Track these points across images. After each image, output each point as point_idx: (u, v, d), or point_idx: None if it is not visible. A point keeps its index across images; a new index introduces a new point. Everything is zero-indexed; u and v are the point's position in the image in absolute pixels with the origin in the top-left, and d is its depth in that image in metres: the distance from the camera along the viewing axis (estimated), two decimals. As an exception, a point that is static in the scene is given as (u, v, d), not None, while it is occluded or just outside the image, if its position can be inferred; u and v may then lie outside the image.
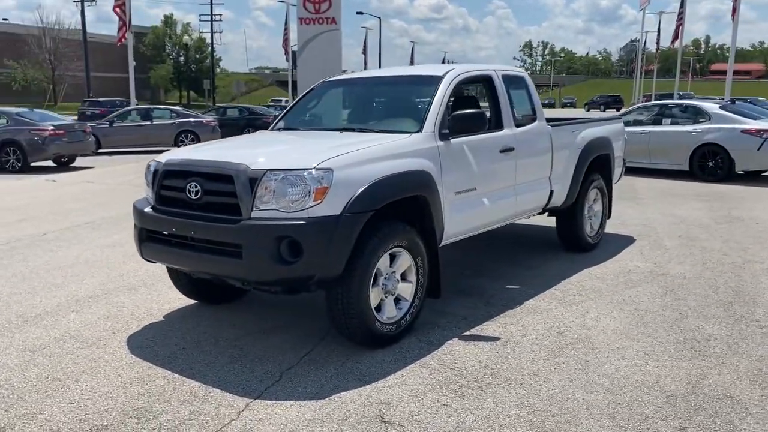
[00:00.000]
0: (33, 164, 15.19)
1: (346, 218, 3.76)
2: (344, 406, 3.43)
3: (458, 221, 4.73)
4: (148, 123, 20.35)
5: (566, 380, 3.70)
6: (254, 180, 3.78)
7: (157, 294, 5.38)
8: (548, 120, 6.39)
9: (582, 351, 4.11)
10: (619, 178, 7.42)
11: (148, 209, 4.33)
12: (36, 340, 4.40)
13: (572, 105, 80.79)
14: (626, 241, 7.18)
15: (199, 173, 4.07)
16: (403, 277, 4.29)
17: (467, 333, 4.43)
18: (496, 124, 5.32)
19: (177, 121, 20.51)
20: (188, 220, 4.01)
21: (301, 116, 5.52)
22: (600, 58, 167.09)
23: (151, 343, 4.33)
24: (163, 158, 4.43)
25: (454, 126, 4.61)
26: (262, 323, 4.67)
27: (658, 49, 47.79)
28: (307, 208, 3.72)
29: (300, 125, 5.40)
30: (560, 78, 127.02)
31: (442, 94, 4.77)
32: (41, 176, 14.21)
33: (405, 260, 4.24)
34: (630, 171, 13.14)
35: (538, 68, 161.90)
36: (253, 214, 3.76)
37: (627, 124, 13.47)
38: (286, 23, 36.58)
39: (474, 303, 5.05)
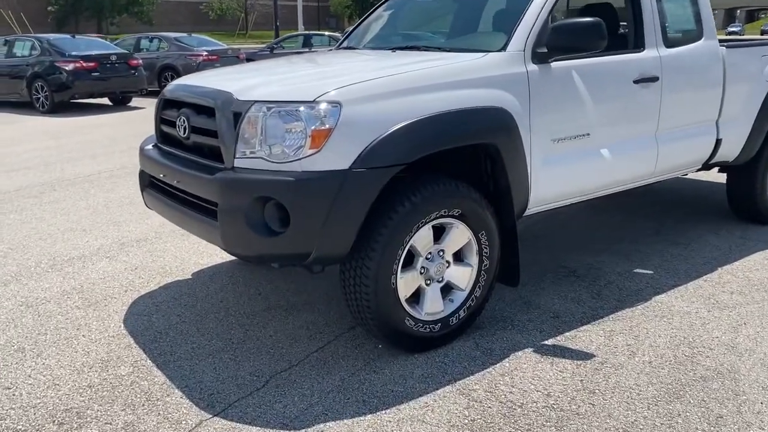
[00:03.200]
0: (188, 89, 15.46)
1: (356, 175, 2.60)
2: (318, 449, 2.38)
3: (556, 181, 3.35)
4: (307, 50, 19.99)
5: (674, 452, 2.33)
6: (238, 115, 2.74)
7: (206, 244, 4.62)
8: (724, 40, 4.60)
9: (718, 395, 2.66)
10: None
11: (149, 147, 3.49)
12: (42, 292, 3.84)
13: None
14: (835, 211, 5.17)
15: (187, 104, 3.12)
16: (458, 258, 3.07)
17: (549, 342, 3.12)
18: (636, 42, 3.74)
19: (327, 49, 19.96)
20: (175, 165, 3.10)
21: (366, 32, 4.31)
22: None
23: (154, 310, 3.57)
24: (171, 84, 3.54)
25: (555, 42, 3.16)
26: (294, 296, 3.71)
27: None
28: (300, 159, 2.62)
29: (360, 43, 4.20)
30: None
31: (544, -3, 3.30)
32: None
33: (460, 235, 3.01)
34: None
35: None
36: (237, 163, 2.74)
37: None
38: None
39: (577, 293, 3.68)
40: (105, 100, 13.99)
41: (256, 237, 2.66)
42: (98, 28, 51.28)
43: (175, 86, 3.38)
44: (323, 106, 2.62)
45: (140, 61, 13.65)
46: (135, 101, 14.31)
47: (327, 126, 2.61)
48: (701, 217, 5.03)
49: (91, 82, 12.58)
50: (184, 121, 3.06)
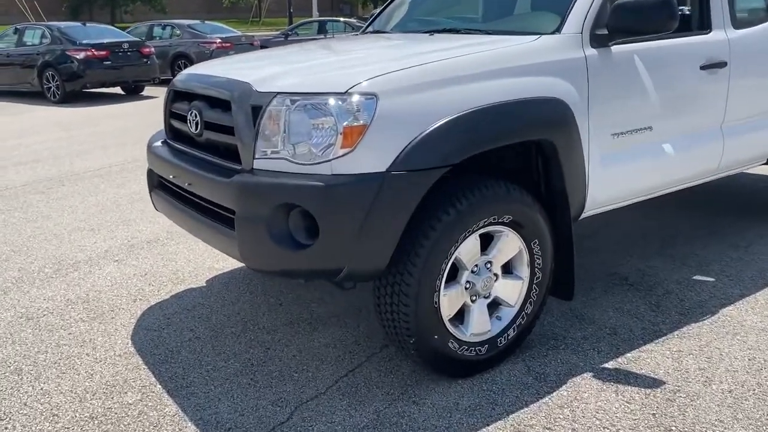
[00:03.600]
0: (202, 78, 15.12)
1: (396, 178, 2.24)
2: (354, 503, 2.04)
3: (614, 181, 2.96)
4: (322, 37, 19.55)
5: None
6: (258, 109, 2.38)
7: (221, 245, 4.28)
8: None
9: (818, 437, 2.28)
10: None
11: (157, 144, 3.14)
12: (45, 302, 3.53)
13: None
14: None
15: (199, 96, 2.76)
16: (507, 270, 2.71)
17: (610, 365, 2.75)
18: (701, 22, 3.33)
19: (351, 34, 19.48)
20: (186, 166, 2.74)
21: (396, 14, 3.92)
22: None
23: (165, 324, 3.24)
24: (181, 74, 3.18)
25: (617, 23, 2.76)
26: (319, 307, 3.37)
27: None
28: (329, 160, 2.25)
29: (390, 27, 3.82)
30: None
31: (603, -29, 2.90)
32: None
33: (510, 244, 2.64)
34: None
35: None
36: (256, 164, 2.38)
37: None
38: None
39: (634, 304, 3.29)
40: (117, 90, 13.69)
41: (279, 250, 2.31)
42: (112, 16, 51.09)
43: (186, 76, 3.02)
44: (356, 98, 2.25)
45: (152, 50, 13.32)
46: (148, 90, 14.00)
47: (361, 121, 2.24)
48: (758, 215, 4.61)
49: (103, 71, 12.28)
50: (195, 115, 2.70)
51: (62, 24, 13.45)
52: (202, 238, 2.78)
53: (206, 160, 2.67)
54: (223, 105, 2.55)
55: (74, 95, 12.32)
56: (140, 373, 2.80)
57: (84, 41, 12.34)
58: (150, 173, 3.18)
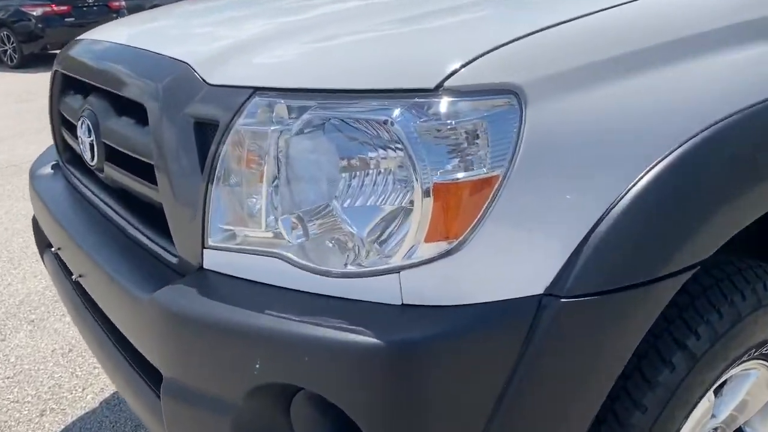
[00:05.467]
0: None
1: (575, 314, 0.83)
2: None
3: None
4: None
5: None
6: (210, 127, 0.95)
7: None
8: None
9: None
10: None
11: (44, 171, 1.73)
12: None
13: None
14: None
15: (94, 88, 1.33)
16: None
17: None
18: None
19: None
20: (76, 233, 1.32)
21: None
22: None
23: (83, 475, 1.89)
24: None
25: None
26: None
27: None
28: (398, 270, 0.84)
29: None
30: None
31: None
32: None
33: (758, 392, 1.26)
34: None
35: None
36: (209, 259, 0.98)
37: None
38: None
39: None
40: (86, 51, 12.12)
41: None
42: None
43: (79, 47, 1.56)
44: (468, 104, 0.83)
45: (123, 3, 11.71)
46: (121, 50, 12.45)
47: (483, 169, 0.82)
48: None
49: (65, 29, 10.71)
50: (88, 130, 1.28)
51: (15, -24, 11.78)
52: (114, 383, 1.38)
53: (116, 221, 1.27)
54: (135, 111, 1.13)
55: (34, 58, 10.83)
56: None
57: (42, -5, 10.76)
58: (34, 223, 1.77)
